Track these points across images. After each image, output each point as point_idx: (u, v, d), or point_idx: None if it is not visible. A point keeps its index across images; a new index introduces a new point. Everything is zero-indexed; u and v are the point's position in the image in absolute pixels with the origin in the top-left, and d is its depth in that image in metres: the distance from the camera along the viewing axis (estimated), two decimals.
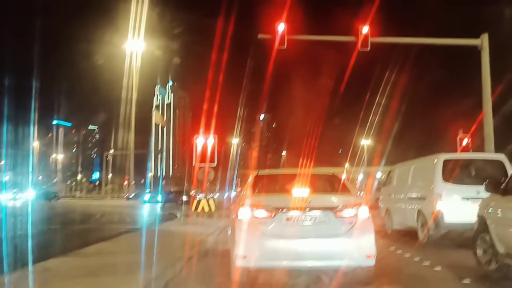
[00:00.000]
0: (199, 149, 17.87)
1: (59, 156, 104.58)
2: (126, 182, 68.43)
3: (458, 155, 11.33)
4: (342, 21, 17.62)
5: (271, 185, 6.11)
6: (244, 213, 4.99)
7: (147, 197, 42.58)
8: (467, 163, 8.92)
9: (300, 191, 4.98)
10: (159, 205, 31.67)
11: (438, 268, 6.09)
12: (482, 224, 5.78)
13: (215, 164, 18.38)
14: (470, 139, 17.03)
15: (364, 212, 4.98)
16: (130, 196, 57.26)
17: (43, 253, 6.70)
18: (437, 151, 9.47)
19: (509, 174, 7.41)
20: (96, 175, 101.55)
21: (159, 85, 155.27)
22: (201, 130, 18.51)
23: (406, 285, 5.36)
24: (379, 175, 25.48)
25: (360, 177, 38.55)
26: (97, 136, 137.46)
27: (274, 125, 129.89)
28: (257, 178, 6.05)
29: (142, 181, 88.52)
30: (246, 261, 4.84)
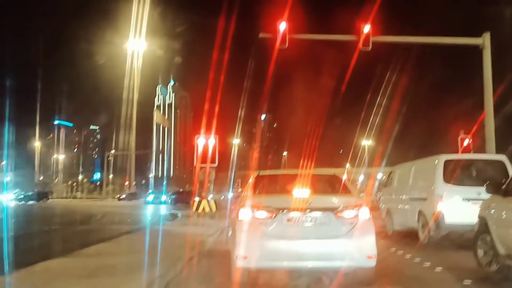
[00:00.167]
0: (200, 149, 17.86)
1: (60, 157, 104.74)
2: (127, 183, 68.50)
3: (459, 156, 11.31)
4: (344, 20, 17.62)
5: (272, 185, 6.11)
6: (245, 213, 4.99)
7: (150, 198, 42.16)
8: (468, 164, 8.90)
9: (301, 192, 4.98)
10: (165, 206, 31.07)
11: (438, 269, 6.08)
12: (483, 225, 5.76)
13: (216, 164, 18.39)
14: (471, 140, 17.00)
15: (364, 213, 4.98)
16: (122, 197, 57.12)
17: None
18: (438, 152, 9.45)
19: (510, 175, 7.40)
20: (97, 176, 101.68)
21: (160, 85, 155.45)
22: (202, 130, 18.52)
23: (407, 286, 5.35)
24: (380, 175, 25.45)
25: (361, 177, 38.54)
26: (98, 136, 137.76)
27: (275, 125, 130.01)
28: (258, 179, 6.05)
29: (143, 181, 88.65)
30: (247, 262, 4.84)
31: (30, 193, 48.83)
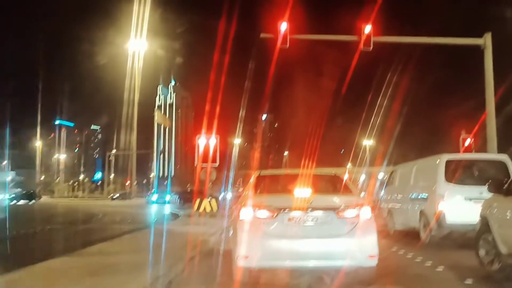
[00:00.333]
0: (201, 149, 17.87)
1: (61, 156, 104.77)
2: (128, 182, 68.54)
3: (461, 156, 11.31)
4: (345, 20, 17.64)
5: (273, 185, 6.10)
6: (246, 213, 4.99)
7: (154, 197, 41.89)
8: (470, 164, 8.91)
9: (302, 192, 4.98)
10: (169, 206, 30.74)
11: (440, 269, 6.08)
12: (485, 225, 5.77)
13: (217, 164, 18.39)
14: (472, 140, 16.97)
15: (366, 212, 4.98)
16: (114, 197, 57.04)
17: None
18: (439, 152, 9.46)
19: (511, 175, 7.40)
20: (98, 175, 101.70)
21: (161, 85, 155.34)
22: (203, 130, 18.53)
23: (408, 286, 5.35)
24: (381, 175, 25.43)
25: (362, 177, 38.50)
26: (100, 136, 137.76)
27: (276, 125, 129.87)
28: (259, 179, 6.05)
29: (145, 181, 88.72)
30: (248, 261, 4.84)
31: (13, 194, 42.54)
